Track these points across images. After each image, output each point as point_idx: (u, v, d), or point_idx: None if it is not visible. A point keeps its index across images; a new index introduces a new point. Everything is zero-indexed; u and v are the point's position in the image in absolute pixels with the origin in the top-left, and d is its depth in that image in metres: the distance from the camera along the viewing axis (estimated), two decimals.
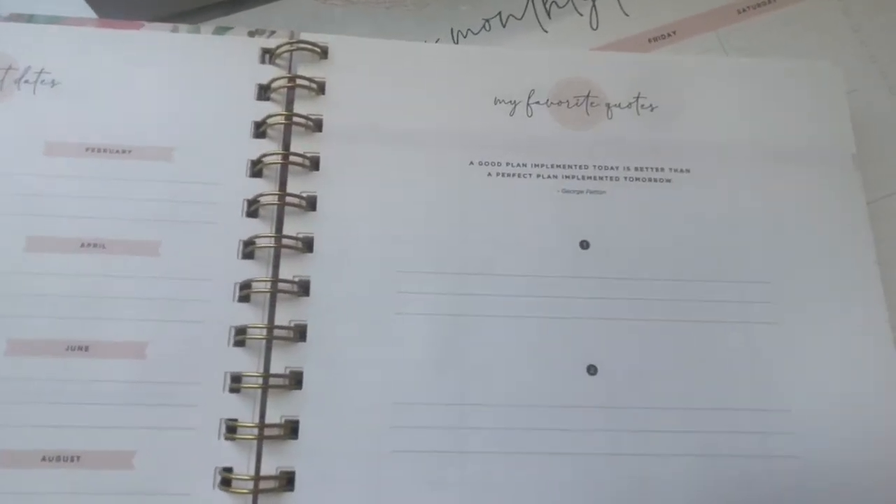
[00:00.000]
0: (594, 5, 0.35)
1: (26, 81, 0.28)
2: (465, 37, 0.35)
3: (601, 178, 0.30)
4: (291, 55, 0.30)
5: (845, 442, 0.26)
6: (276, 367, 0.26)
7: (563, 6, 0.35)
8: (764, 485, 0.26)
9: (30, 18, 0.29)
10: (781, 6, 0.36)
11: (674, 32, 0.35)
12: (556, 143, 0.30)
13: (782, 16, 0.35)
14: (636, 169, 0.30)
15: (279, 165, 0.28)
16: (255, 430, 0.24)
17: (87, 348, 0.25)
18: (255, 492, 0.24)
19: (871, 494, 0.26)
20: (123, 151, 0.28)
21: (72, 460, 0.24)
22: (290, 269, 0.27)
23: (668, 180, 0.30)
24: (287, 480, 0.25)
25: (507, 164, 0.30)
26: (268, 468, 0.24)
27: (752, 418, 0.27)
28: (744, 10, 0.36)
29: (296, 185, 0.28)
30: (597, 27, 0.35)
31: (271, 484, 0.24)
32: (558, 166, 0.30)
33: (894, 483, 0.26)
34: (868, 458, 0.26)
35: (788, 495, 0.26)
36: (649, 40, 0.35)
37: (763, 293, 0.28)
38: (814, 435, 0.26)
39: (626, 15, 0.35)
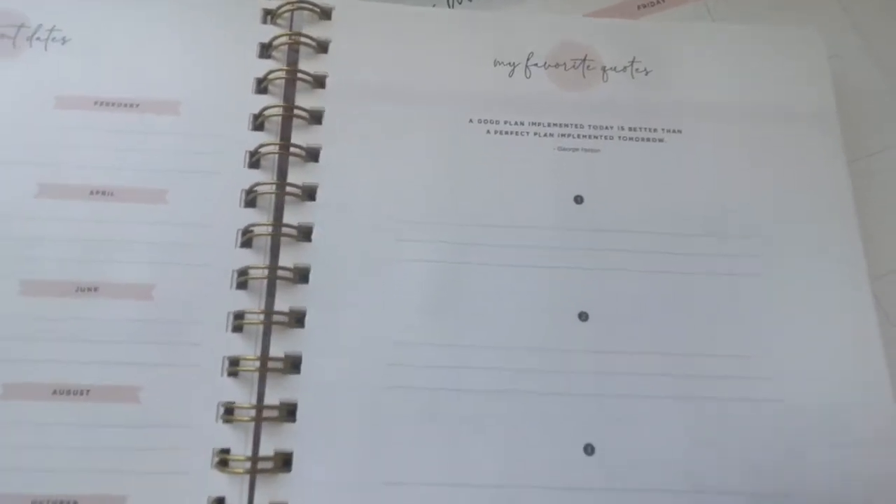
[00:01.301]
0: None
1: (38, 38, 0.30)
2: (459, 3, 0.36)
3: (596, 137, 0.31)
4: (292, 15, 0.31)
5: (824, 385, 0.27)
6: (279, 306, 0.27)
7: None
8: (746, 425, 0.27)
9: None
10: None
11: (662, 0, 0.36)
12: (553, 103, 0.31)
13: None
14: (630, 129, 0.31)
15: (280, 118, 0.29)
16: (258, 364, 0.25)
17: (96, 289, 0.27)
18: (258, 420, 0.25)
19: (848, 431, 0.27)
20: (131, 105, 0.29)
21: (81, 394, 0.25)
22: (293, 217, 0.28)
23: (661, 140, 0.31)
24: (288, 412, 0.25)
25: (506, 122, 0.31)
26: (270, 400, 0.25)
27: (735, 364, 0.27)
28: None
29: (298, 138, 0.29)
30: None
31: (273, 413, 0.25)
32: (555, 125, 0.31)
33: (870, 420, 0.27)
34: (845, 400, 0.27)
35: (769, 434, 0.26)
36: (638, 7, 0.36)
37: (747, 247, 0.29)
38: (794, 379, 0.27)
39: None
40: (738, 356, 0.28)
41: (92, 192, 0.28)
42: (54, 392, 0.25)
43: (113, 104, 0.29)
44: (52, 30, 0.30)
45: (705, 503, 0.26)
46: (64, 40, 0.30)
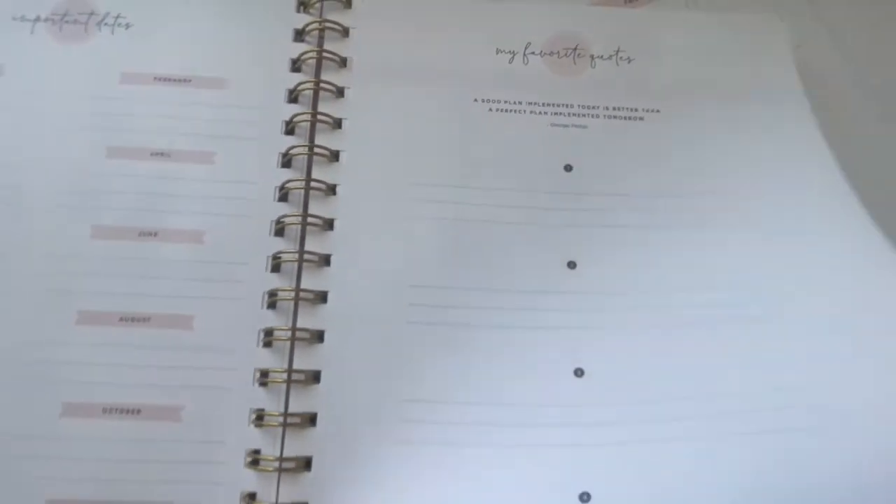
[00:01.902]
0: None
1: (106, 24, 0.34)
2: None
3: (584, 115, 0.36)
4: (322, 4, 0.36)
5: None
6: (310, 247, 0.31)
7: None
8: None
9: None
10: None
11: None
12: (547, 86, 0.36)
13: None
14: (614, 108, 0.36)
15: (311, 93, 0.34)
16: (293, 295, 0.30)
17: (155, 234, 0.31)
18: (292, 340, 0.30)
19: None
20: (184, 80, 0.34)
21: (143, 321, 0.30)
22: (321, 174, 0.33)
23: (641, 118, 0.36)
24: (318, 337, 0.30)
25: (505, 101, 0.35)
26: (303, 324, 0.30)
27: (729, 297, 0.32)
28: None
29: (325, 108, 0.34)
30: None
31: (305, 335, 0.30)
32: (548, 104, 0.36)
33: None
34: None
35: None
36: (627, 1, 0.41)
37: (716, 203, 0.34)
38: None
39: None
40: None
41: (151, 154, 0.33)
42: (120, 319, 0.30)
43: (169, 80, 0.34)
44: (117, 17, 0.35)
45: None
46: (127, 26, 0.35)
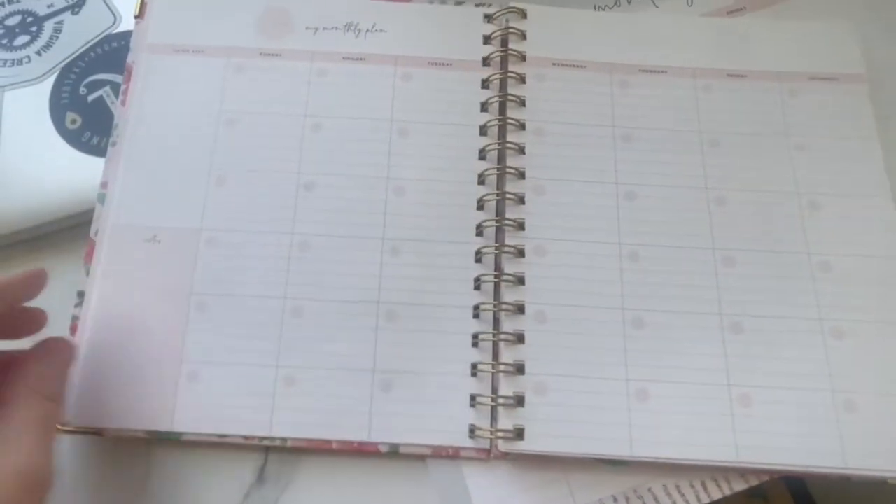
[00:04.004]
0: None
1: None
2: (602, 10, 0.52)
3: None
4: (505, 17, 0.48)
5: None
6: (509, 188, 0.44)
7: None
8: None
9: None
10: None
11: (744, 7, 0.52)
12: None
13: None
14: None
15: (499, 80, 0.46)
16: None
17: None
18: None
19: None
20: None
21: None
22: (512, 138, 0.45)
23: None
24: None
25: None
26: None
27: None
28: None
29: (512, 90, 0.46)
30: (692, 4, 0.52)
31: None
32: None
33: None
34: None
35: None
36: (727, 13, 0.52)
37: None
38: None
39: None
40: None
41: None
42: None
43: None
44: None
45: None
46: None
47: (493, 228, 0.43)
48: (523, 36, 0.48)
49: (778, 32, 0.49)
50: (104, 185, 0.44)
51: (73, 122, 0.46)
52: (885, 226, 0.44)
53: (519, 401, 0.39)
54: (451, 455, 0.39)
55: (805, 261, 0.43)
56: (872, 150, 0.46)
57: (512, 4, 0.49)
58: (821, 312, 0.42)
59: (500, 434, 0.39)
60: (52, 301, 0.37)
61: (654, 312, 0.41)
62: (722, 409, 0.39)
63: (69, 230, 0.44)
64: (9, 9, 0.49)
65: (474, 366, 0.40)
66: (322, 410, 0.40)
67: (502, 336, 0.41)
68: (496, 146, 0.45)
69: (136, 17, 0.47)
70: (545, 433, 0.39)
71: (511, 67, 0.47)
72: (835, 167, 0.45)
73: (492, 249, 0.42)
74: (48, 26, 0.48)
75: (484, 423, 0.39)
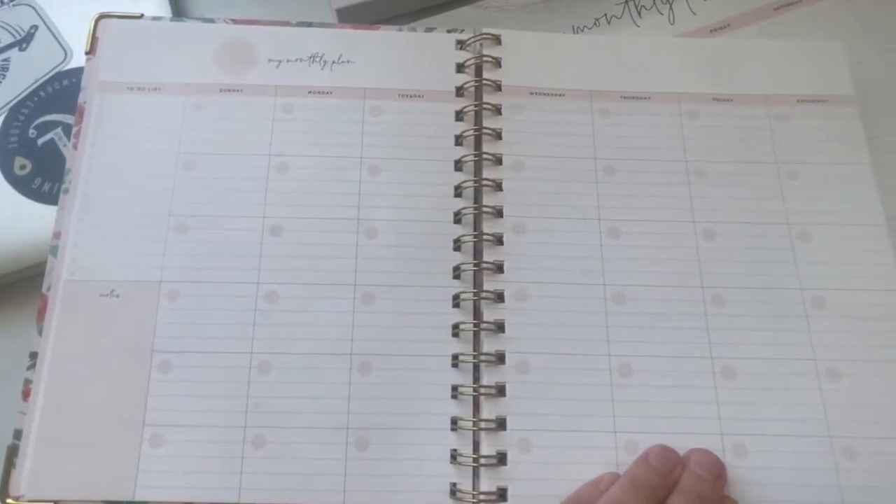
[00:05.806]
0: (671, 6, 0.51)
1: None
2: (581, 30, 0.50)
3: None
4: (479, 43, 0.46)
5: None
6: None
7: (650, 8, 0.51)
8: None
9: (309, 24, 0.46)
10: (806, 5, 0.50)
11: (728, 25, 0.50)
12: None
13: (807, 12, 0.50)
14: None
15: (474, 112, 0.44)
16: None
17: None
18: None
19: None
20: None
21: None
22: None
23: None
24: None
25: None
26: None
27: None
28: (778, 8, 0.50)
29: (487, 122, 0.44)
30: (674, 22, 0.50)
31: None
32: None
33: None
34: None
35: None
36: (711, 31, 0.50)
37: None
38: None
39: (694, 13, 0.50)
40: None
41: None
42: None
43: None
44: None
45: None
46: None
47: (472, 272, 0.41)
48: (498, 63, 0.46)
49: (763, 53, 0.47)
50: (57, 235, 0.41)
51: (23, 167, 0.43)
52: (879, 256, 0.42)
53: (501, 459, 0.37)
54: None
55: (797, 297, 0.41)
56: (864, 175, 0.44)
57: (485, 30, 0.46)
58: (815, 353, 0.40)
59: (482, 497, 0.37)
60: (3, 363, 0.34)
61: (642, 358, 0.39)
62: None
63: (20, 284, 0.42)
64: None
65: (454, 420, 0.38)
66: (293, 473, 0.38)
67: (482, 390, 0.38)
68: (472, 183, 0.42)
69: (86, 53, 0.45)
70: (529, 494, 0.37)
71: (486, 98, 0.45)
72: (825, 195, 0.43)
73: (470, 295, 0.40)
74: None
75: (466, 481, 0.37)
